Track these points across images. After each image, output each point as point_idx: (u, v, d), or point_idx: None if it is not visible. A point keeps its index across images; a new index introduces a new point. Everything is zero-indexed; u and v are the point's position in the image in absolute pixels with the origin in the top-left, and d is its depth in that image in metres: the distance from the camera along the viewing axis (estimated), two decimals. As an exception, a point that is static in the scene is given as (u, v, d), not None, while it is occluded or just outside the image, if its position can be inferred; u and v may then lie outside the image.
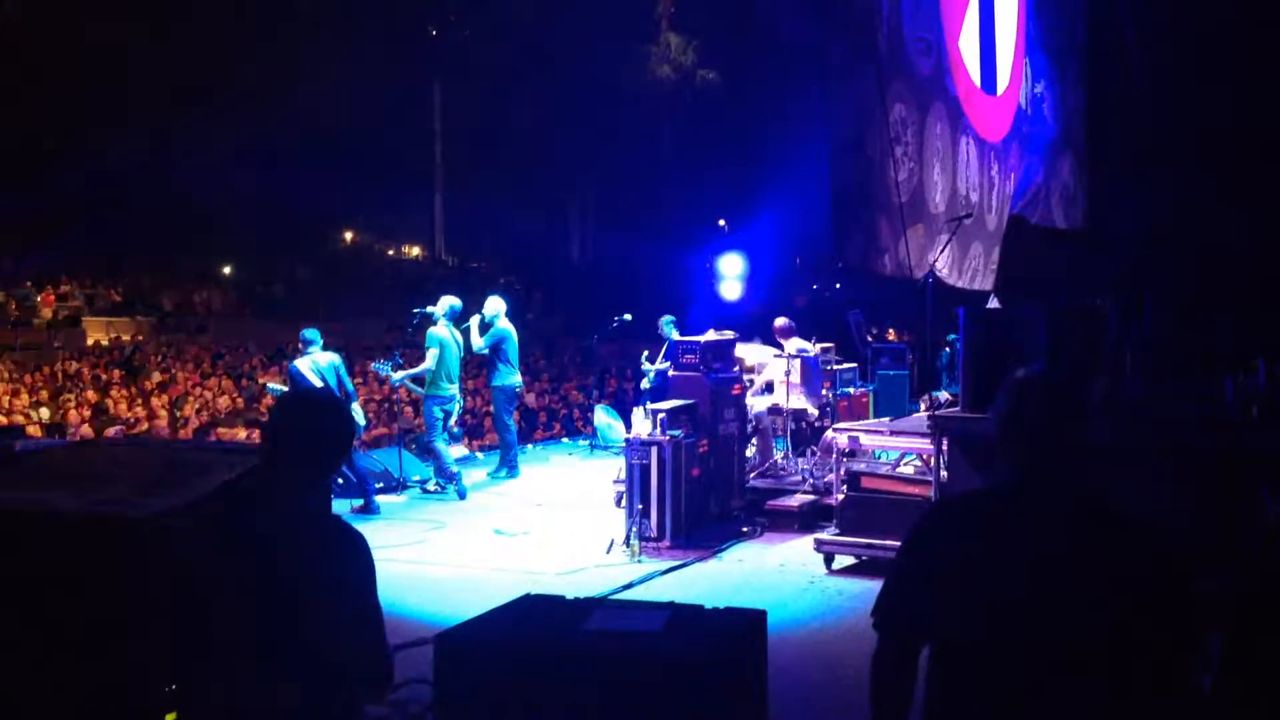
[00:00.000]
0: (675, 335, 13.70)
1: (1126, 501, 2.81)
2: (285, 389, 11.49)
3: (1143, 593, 2.66)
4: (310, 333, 11.24)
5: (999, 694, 2.70)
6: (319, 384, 10.64)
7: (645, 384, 13.84)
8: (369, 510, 10.51)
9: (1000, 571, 2.70)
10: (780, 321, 11.78)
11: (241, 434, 15.43)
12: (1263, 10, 13.87)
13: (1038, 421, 2.78)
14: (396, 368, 11.91)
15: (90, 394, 18.16)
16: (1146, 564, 2.70)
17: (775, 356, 11.43)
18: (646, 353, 14.83)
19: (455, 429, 12.57)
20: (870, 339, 13.62)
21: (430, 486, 11.62)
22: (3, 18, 23.61)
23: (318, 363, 10.89)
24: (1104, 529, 2.73)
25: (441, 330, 11.54)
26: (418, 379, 11.69)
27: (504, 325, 12.23)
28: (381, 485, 11.36)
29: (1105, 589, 2.65)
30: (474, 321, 12.26)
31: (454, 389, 11.66)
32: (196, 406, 17.88)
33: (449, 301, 11.84)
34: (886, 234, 10.09)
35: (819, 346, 11.92)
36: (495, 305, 12.36)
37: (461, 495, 11.27)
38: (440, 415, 11.51)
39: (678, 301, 17.27)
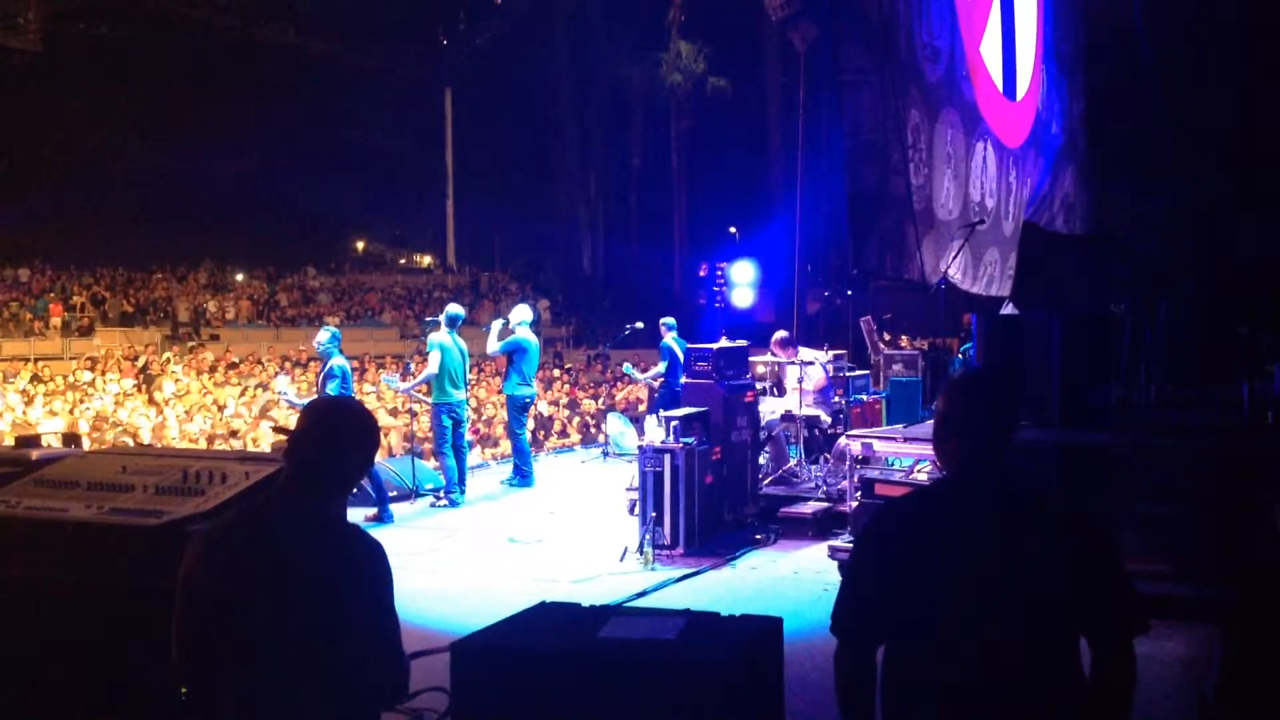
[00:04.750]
0: (671, 341, 13.76)
1: (1059, 494, 2.93)
2: (292, 394, 11.52)
3: (1080, 573, 2.82)
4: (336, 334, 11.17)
5: (949, 682, 2.83)
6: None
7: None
8: (382, 519, 10.52)
9: (943, 566, 2.84)
10: (779, 335, 11.72)
11: (254, 441, 15.45)
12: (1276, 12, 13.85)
13: (973, 421, 2.94)
14: (406, 377, 11.93)
15: (105, 403, 18.23)
16: (1081, 546, 2.86)
17: (789, 364, 11.41)
18: (626, 363, 14.86)
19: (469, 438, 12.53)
20: (883, 345, 13.58)
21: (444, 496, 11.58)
22: (21, 31, 23.74)
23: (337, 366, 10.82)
24: (1039, 518, 2.89)
25: (442, 336, 11.55)
26: (423, 387, 11.70)
27: (523, 334, 12.26)
28: (395, 494, 11.37)
29: (1043, 574, 2.80)
30: (495, 325, 12.30)
31: (460, 395, 11.63)
32: (210, 415, 17.92)
33: (451, 310, 11.89)
34: (912, 240, 10.08)
35: (831, 353, 11.90)
36: (519, 314, 12.43)
37: (453, 504, 11.32)
38: (449, 423, 11.46)
39: (690, 309, 17.30)
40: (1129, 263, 11.25)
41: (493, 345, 12.27)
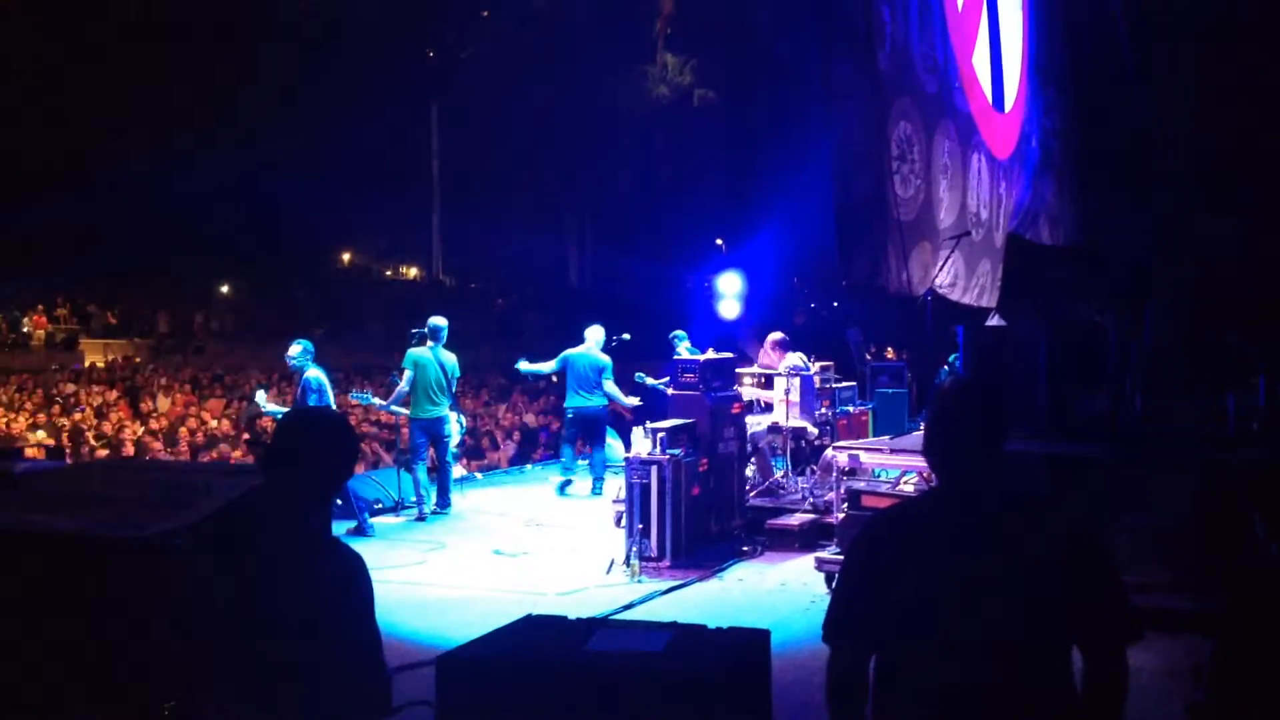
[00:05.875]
0: (685, 352, 13.74)
1: (1050, 500, 2.94)
2: (274, 406, 11.39)
3: (1074, 580, 2.83)
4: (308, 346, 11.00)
5: (942, 688, 2.83)
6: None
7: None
8: (361, 532, 10.41)
9: (937, 573, 2.84)
10: (775, 336, 11.72)
11: (238, 455, 15.38)
12: (1263, 19, 13.94)
13: (964, 429, 2.94)
14: (391, 391, 11.85)
15: (88, 416, 18.13)
16: (1075, 552, 2.87)
17: (777, 375, 11.39)
18: (639, 373, 14.87)
19: (455, 450, 12.42)
20: (869, 357, 13.59)
21: (427, 510, 11.48)
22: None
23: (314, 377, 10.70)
24: (1032, 524, 2.90)
25: (420, 350, 11.49)
26: (402, 402, 11.59)
27: (573, 350, 12.77)
28: (380, 506, 11.30)
29: (1038, 580, 2.81)
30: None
31: (440, 409, 11.54)
32: (193, 428, 17.83)
33: (432, 322, 11.84)
34: (893, 252, 10.07)
35: (818, 364, 11.89)
36: (590, 335, 12.90)
37: (422, 516, 11.27)
38: (424, 439, 11.41)
39: (676, 321, 17.27)
40: (1115, 273, 11.28)
41: (548, 366, 13.04)
